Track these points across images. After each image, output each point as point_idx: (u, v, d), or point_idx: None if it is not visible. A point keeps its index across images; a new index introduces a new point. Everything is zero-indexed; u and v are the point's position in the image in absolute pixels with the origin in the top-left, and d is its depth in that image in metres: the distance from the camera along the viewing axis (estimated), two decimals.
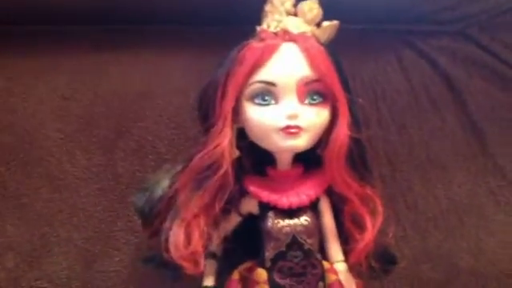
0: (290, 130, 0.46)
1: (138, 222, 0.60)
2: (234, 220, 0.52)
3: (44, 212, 0.64)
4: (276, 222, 0.49)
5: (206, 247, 0.48)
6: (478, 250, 0.65)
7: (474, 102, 0.66)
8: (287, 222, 0.49)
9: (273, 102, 0.47)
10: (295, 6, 0.49)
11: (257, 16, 0.50)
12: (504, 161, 0.67)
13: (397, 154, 0.66)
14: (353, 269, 0.51)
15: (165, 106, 0.66)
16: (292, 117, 0.46)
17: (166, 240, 0.48)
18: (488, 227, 0.66)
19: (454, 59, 0.66)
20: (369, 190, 0.50)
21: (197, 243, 0.47)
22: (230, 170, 0.47)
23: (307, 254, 0.49)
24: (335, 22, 0.50)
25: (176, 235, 0.47)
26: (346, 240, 0.51)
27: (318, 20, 0.49)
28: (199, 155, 0.47)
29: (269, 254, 0.49)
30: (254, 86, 0.47)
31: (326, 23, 0.49)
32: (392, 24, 0.66)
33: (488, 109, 0.66)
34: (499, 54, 0.65)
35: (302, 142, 0.47)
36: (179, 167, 0.51)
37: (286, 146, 0.47)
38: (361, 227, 0.49)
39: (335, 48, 0.49)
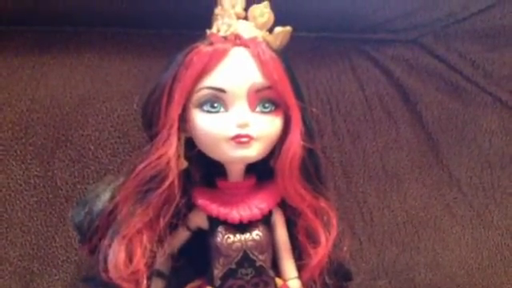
0: (240, 140, 0.44)
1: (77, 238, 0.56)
2: (182, 235, 0.49)
3: None
4: (226, 237, 0.47)
5: (149, 266, 0.45)
6: (435, 265, 0.65)
7: (429, 113, 0.66)
8: (238, 237, 0.47)
9: (222, 109, 0.45)
10: (246, 10, 0.47)
11: (205, 20, 0.48)
12: (459, 173, 0.67)
13: (352, 165, 0.65)
14: (306, 286, 0.49)
15: (108, 113, 0.63)
16: (243, 125, 0.44)
17: (105, 259, 0.45)
18: (444, 241, 0.66)
19: (408, 69, 0.66)
20: (323, 203, 0.48)
21: (139, 262, 0.44)
22: (176, 182, 0.44)
23: (259, 270, 0.47)
24: (288, 28, 0.48)
25: (116, 253, 0.44)
26: (299, 255, 0.49)
27: (269, 25, 0.48)
28: (142, 165, 0.45)
29: (218, 271, 0.47)
30: (202, 92, 0.45)
31: (278, 29, 0.48)
32: (346, 32, 0.65)
33: (443, 120, 0.66)
34: (454, 64, 0.66)
35: (253, 152, 0.45)
36: (122, 179, 0.48)
37: (237, 156, 0.45)
38: (315, 241, 0.48)
39: (287, 55, 0.48)
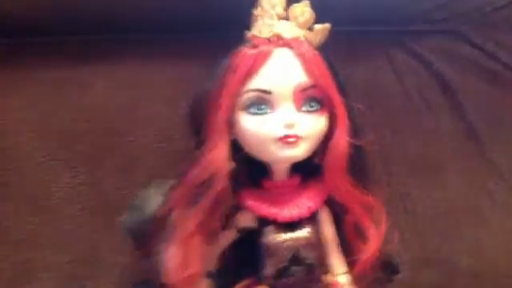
0: (288, 140, 0.44)
1: (125, 243, 0.56)
2: (230, 236, 0.49)
3: (26, 235, 0.61)
4: (276, 236, 0.47)
5: (204, 267, 0.46)
6: (478, 252, 0.65)
7: (469, 102, 0.65)
8: (288, 235, 0.47)
9: (269, 110, 0.45)
10: (286, 9, 0.47)
11: (243, 21, 0.48)
12: (501, 160, 0.66)
13: (392, 158, 0.65)
14: (357, 280, 0.49)
15: (152, 119, 0.63)
16: (290, 125, 0.45)
17: (161, 262, 0.45)
18: (486, 228, 0.66)
19: (447, 59, 0.65)
20: (370, 198, 0.48)
21: (196, 265, 0.45)
22: (227, 185, 0.45)
23: (310, 268, 0.47)
24: (327, 25, 0.48)
25: (172, 257, 0.45)
26: (348, 251, 0.49)
27: (310, 24, 0.48)
28: (194, 170, 0.45)
29: (269, 270, 0.47)
30: (248, 95, 0.45)
31: (317, 26, 0.48)
32: (381, 25, 0.64)
33: (483, 108, 0.65)
34: (493, 53, 0.65)
35: (300, 152, 0.45)
36: (171, 182, 0.49)
37: (285, 156, 0.45)
38: (364, 237, 0.48)
39: (327, 52, 0.47)
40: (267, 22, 0.47)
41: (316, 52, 0.47)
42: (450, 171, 0.66)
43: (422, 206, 0.65)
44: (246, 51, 0.46)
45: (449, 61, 0.65)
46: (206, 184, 0.45)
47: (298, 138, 0.45)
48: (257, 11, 0.47)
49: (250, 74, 0.45)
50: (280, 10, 0.47)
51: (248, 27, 0.48)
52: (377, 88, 0.65)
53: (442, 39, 0.65)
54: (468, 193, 0.66)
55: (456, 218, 0.66)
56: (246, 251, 0.49)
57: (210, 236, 0.46)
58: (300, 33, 0.47)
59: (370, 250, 0.47)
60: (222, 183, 0.44)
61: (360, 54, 0.65)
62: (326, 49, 0.48)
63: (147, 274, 0.49)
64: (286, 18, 0.47)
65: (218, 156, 0.45)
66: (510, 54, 0.65)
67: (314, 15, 0.48)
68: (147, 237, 0.48)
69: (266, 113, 0.45)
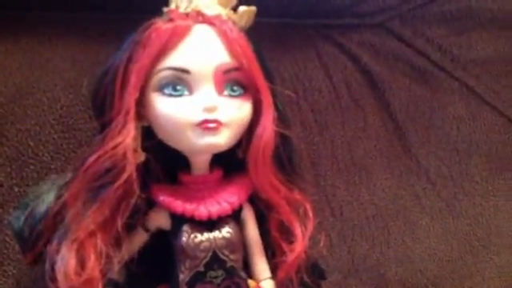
0: (208, 125, 0.40)
1: (16, 248, 0.52)
2: (140, 238, 0.44)
3: None
4: (192, 236, 0.43)
5: (104, 273, 0.41)
6: (406, 259, 0.64)
7: (397, 100, 0.65)
8: (206, 235, 0.43)
9: (186, 92, 0.41)
10: None
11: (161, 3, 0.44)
12: (428, 162, 0.66)
13: (320, 156, 0.63)
14: (282, 285, 0.45)
15: (49, 104, 0.57)
16: (210, 109, 0.40)
17: (52, 267, 0.40)
18: (414, 233, 0.65)
19: (375, 54, 0.65)
20: (297, 194, 0.46)
21: (93, 268, 0.39)
22: (134, 175, 0.40)
23: (230, 272, 0.43)
24: (253, 8, 0.45)
25: (65, 260, 0.40)
26: (272, 253, 0.46)
27: (233, 3, 0.44)
28: (94, 157, 0.40)
29: (184, 275, 0.43)
30: (162, 74, 0.40)
31: (242, 8, 0.44)
32: (309, 18, 0.63)
33: (410, 107, 0.66)
34: (421, 49, 0.65)
35: (222, 140, 0.41)
36: (68, 176, 0.43)
37: (204, 143, 0.41)
38: (289, 237, 0.45)
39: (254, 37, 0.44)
40: None
41: (241, 33, 0.43)
42: (377, 172, 0.65)
43: (348, 209, 0.64)
44: (161, 25, 0.41)
45: (377, 56, 0.65)
46: (109, 174, 0.40)
47: (219, 123, 0.40)
48: None
49: (164, 50, 0.40)
50: None
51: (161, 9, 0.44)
52: (305, 83, 0.63)
53: (371, 34, 0.65)
54: (396, 196, 0.65)
55: (384, 223, 0.65)
56: (157, 254, 0.45)
57: (113, 237, 0.41)
58: (222, 11, 0.43)
59: (295, 250, 0.44)
60: (127, 174, 0.39)
61: (287, 46, 0.63)
62: (252, 38, 0.44)
63: (38, 283, 0.44)
64: None
65: (124, 141, 0.39)
66: (439, 51, 0.66)
67: None
68: (37, 238, 0.42)
69: (182, 95, 0.41)
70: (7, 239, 0.54)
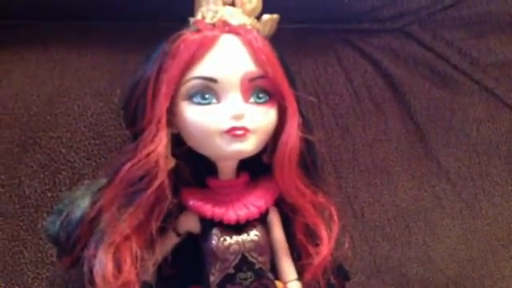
0: (235, 132, 0.41)
1: (50, 252, 0.54)
2: (171, 241, 0.46)
3: None
4: (222, 239, 0.44)
5: (140, 275, 0.42)
6: (427, 259, 0.64)
7: (417, 103, 0.65)
8: (235, 238, 0.44)
9: (214, 100, 0.42)
10: None
11: (185, 10, 0.45)
12: (448, 163, 0.66)
13: (341, 159, 0.64)
14: (308, 287, 0.46)
15: (80, 112, 0.58)
16: (238, 117, 0.41)
17: (90, 270, 0.41)
18: (435, 234, 0.65)
19: (395, 59, 0.65)
20: (322, 197, 0.46)
21: (129, 271, 0.41)
22: (166, 181, 0.41)
23: (258, 274, 0.44)
24: (275, 16, 0.46)
25: (103, 263, 0.41)
26: (298, 255, 0.47)
27: (257, 12, 0.45)
28: (128, 165, 0.41)
29: (214, 277, 0.44)
30: (191, 83, 0.41)
31: (266, 16, 0.45)
32: (329, 23, 0.64)
33: (431, 109, 0.66)
34: (441, 52, 0.65)
35: (249, 146, 0.42)
36: (101, 182, 0.44)
37: (232, 150, 0.42)
38: (314, 239, 0.46)
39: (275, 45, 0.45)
40: (212, 7, 0.44)
41: (265, 41, 0.44)
42: (398, 174, 0.65)
43: (370, 211, 0.64)
44: (189, 36, 0.42)
45: (397, 61, 0.65)
46: (142, 181, 0.41)
47: (246, 130, 0.41)
48: None
49: (193, 60, 0.41)
50: None
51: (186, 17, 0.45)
52: (326, 87, 0.64)
53: (391, 38, 0.65)
54: (416, 197, 0.66)
55: (405, 224, 0.65)
56: (189, 257, 0.46)
57: (147, 241, 0.42)
58: (247, 20, 0.44)
59: (322, 253, 0.45)
60: (160, 180, 0.40)
61: (308, 52, 0.64)
62: (274, 45, 0.45)
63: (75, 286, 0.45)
64: (233, 5, 0.44)
65: (157, 149, 0.41)
66: (458, 54, 0.66)
67: (261, 3, 0.45)
68: (73, 243, 0.43)
69: (210, 103, 0.42)
70: (41, 243, 0.55)
